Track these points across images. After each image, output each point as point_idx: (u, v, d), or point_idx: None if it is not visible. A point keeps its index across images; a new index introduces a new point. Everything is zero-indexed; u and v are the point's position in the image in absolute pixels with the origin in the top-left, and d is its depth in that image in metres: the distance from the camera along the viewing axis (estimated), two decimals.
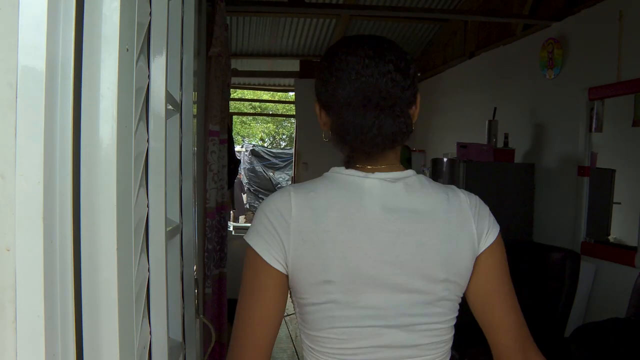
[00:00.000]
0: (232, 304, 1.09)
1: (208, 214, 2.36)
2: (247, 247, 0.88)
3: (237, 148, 11.09)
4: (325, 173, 0.92)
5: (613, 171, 3.19)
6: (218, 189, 2.42)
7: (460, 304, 0.94)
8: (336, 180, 0.89)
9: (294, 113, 6.60)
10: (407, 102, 0.89)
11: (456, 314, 0.93)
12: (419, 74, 1.11)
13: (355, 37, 0.93)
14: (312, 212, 0.85)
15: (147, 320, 0.81)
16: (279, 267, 0.86)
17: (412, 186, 0.89)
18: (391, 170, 0.90)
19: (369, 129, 0.84)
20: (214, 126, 2.34)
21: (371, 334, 0.85)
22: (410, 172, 0.91)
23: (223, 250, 2.69)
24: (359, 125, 0.85)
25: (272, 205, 0.87)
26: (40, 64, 0.52)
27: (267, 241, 0.85)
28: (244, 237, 0.89)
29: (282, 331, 4.44)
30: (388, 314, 0.86)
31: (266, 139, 15.70)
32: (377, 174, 0.88)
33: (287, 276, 0.87)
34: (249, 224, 0.94)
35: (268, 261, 0.85)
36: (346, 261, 0.84)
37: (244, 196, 10.90)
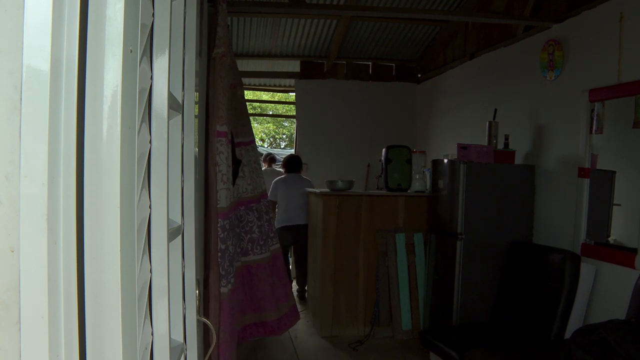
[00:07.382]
0: None
1: (219, 215, 2.31)
2: None
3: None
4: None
5: (613, 173, 3.19)
6: (228, 189, 2.38)
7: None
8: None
9: (294, 113, 6.60)
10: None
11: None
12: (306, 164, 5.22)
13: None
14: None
15: (149, 321, 0.81)
16: None
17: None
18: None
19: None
20: (221, 127, 2.29)
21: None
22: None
23: (263, 237, 2.96)
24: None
25: None
26: (45, 66, 0.52)
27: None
28: None
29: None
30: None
31: (266, 139, 15.70)
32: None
33: None
34: None
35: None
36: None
37: None
